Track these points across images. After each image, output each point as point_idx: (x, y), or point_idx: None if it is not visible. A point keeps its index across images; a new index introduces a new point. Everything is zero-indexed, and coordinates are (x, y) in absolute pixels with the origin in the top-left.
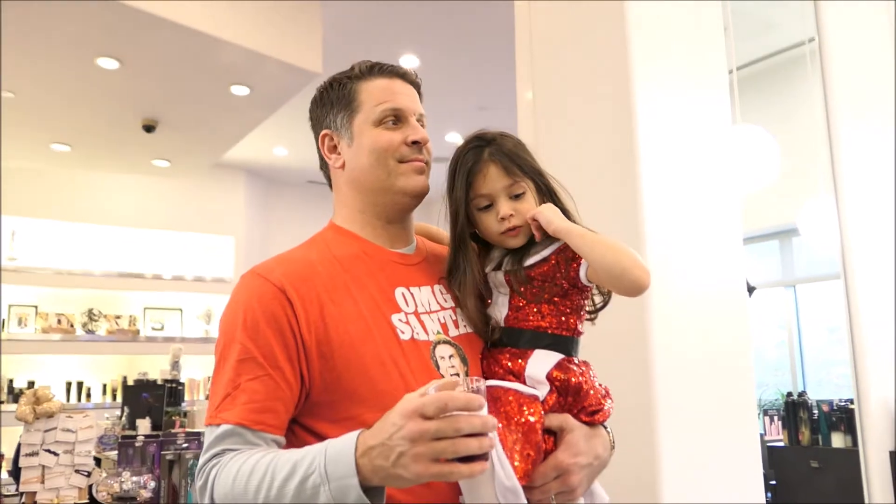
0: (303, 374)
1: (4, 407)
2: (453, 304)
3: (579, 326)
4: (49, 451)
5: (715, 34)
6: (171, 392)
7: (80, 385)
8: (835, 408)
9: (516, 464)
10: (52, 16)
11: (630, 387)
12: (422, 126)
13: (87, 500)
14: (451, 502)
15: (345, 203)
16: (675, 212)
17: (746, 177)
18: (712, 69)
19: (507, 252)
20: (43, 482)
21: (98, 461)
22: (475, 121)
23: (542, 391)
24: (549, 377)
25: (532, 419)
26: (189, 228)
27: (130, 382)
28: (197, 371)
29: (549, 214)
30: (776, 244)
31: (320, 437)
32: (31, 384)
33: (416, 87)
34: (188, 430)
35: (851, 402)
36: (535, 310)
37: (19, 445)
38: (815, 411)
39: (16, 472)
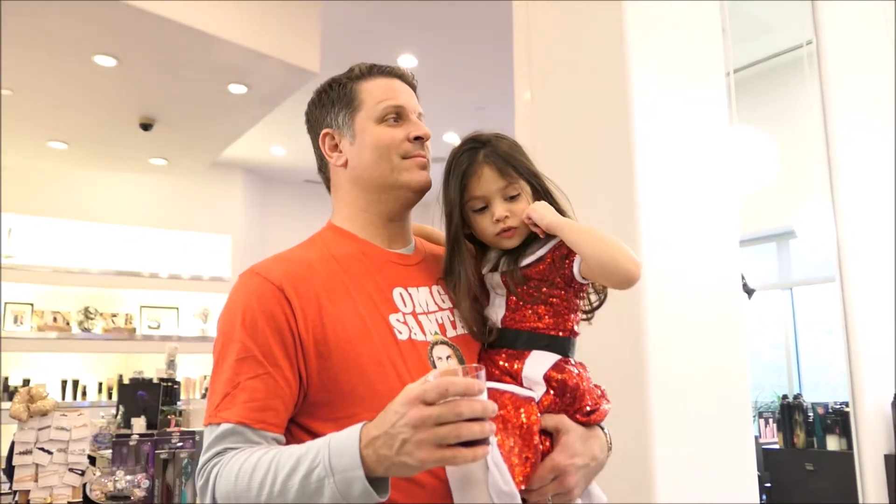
0: (301, 374)
1: None
2: (451, 305)
3: (576, 327)
4: (43, 449)
5: (713, 36)
6: (166, 391)
7: (75, 383)
8: (830, 410)
9: (516, 468)
10: (49, 13)
11: (625, 388)
12: (421, 120)
13: (80, 499)
14: (445, 503)
15: (346, 202)
16: (671, 213)
17: (743, 178)
18: (710, 71)
19: (504, 253)
20: (36, 481)
21: (93, 460)
22: (473, 121)
23: (539, 392)
24: (546, 378)
25: (528, 421)
26: (186, 227)
27: (126, 381)
28: (193, 370)
29: (542, 210)
30: (773, 246)
31: (317, 437)
32: (26, 382)
33: (413, 88)
34: (183, 429)
35: (846, 404)
36: (531, 311)
37: (13, 444)
38: (811, 414)
39: (9, 471)
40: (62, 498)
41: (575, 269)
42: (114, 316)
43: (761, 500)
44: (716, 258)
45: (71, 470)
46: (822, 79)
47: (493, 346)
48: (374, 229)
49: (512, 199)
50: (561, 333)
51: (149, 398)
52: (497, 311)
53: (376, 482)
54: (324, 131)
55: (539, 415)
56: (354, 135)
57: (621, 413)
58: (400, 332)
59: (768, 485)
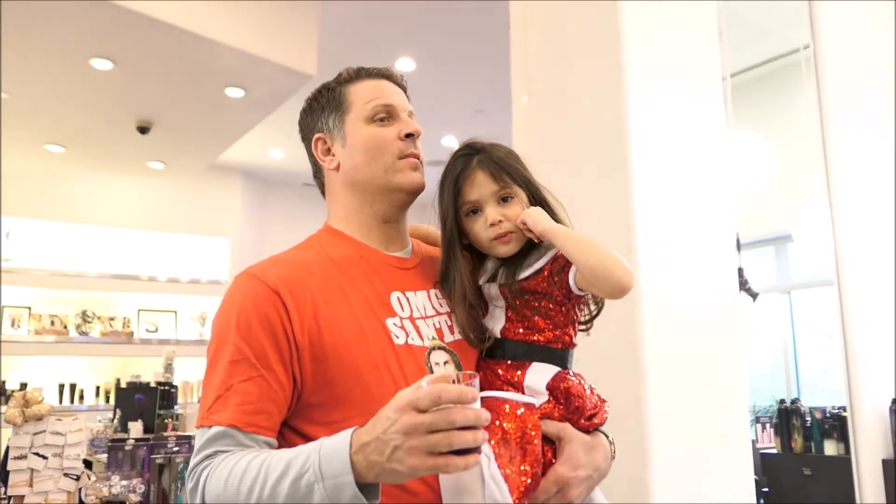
0: (295, 376)
1: None
2: (449, 309)
3: (574, 339)
4: (38, 454)
5: (709, 40)
6: (163, 395)
7: (72, 387)
8: (828, 415)
9: (513, 480)
10: (47, 16)
11: (621, 393)
12: (412, 118)
13: None
14: None
15: (340, 204)
16: (667, 217)
17: (740, 182)
18: (707, 75)
19: (502, 264)
20: (31, 486)
21: (89, 464)
22: (471, 124)
23: (540, 400)
24: (549, 388)
25: (527, 429)
26: (184, 230)
27: (123, 385)
28: (190, 374)
29: (536, 215)
30: (772, 250)
31: (310, 441)
32: (23, 386)
33: (403, 88)
34: (179, 433)
35: (844, 409)
36: (530, 323)
37: (7, 448)
38: (808, 418)
39: (3, 476)
40: (57, 503)
41: (571, 280)
42: (111, 319)
43: None
44: (712, 262)
45: (66, 475)
46: (819, 83)
47: (491, 356)
48: (369, 231)
49: (505, 202)
50: (560, 346)
51: (146, 402)
52: (496, 322)
53: (366, 488)
54: (315, 136)
55: (539, 422)
56: (345, 137)
57: (618, 417)
58: (397, 337)
59: (766, 489)
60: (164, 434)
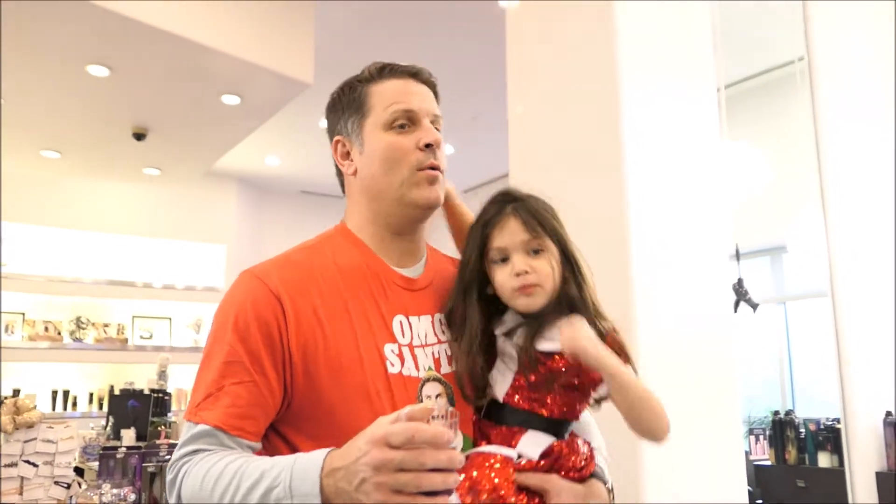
0: (286, 384)
1: None
2: (451, 338)
3: (581, 413)
4: (28, 461)
5: (705, 51)
6: (157, 402)
7: (66, 393)
8: (822, 427)
9: None
10: (43, 22)
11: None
12: (438, 128)
13: None
14: None
15: (357, 210)
16: (662, 227)
17: (736, 193)
18: (702, 86)
19: (522, 321)
20: (21, 494)
21: (81, 472)
22: (468, 130)
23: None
24: (541, 455)
25: (500, 482)
26: (180, 237)
27: (117, 392)
28: (185, 381)
29: (583, 340)
30: (767, 260)
31: (293, 450)
32: (16, 392)
33: (432, 86)
34: (172, 441)
35: (838, 421)
36: (537, 395)
37: None
38: (803, 430)
39: None
40: None
41: (602, 390)
42: (106, 326)
43: None
44: (707, 273)
45: (56, 483)
46: (813, 95)
47: (486, 417)
48: (381, 242)
49: (535, 254)
50: (563, 417)
51: (140, 408)
52: (499, 382)
53: None
54: (335, 138)
55: (514, 476)
56: (363, 143)
57: (610, 429)
58: (392, 365)
59: (759, 501)
60: (157, 442)
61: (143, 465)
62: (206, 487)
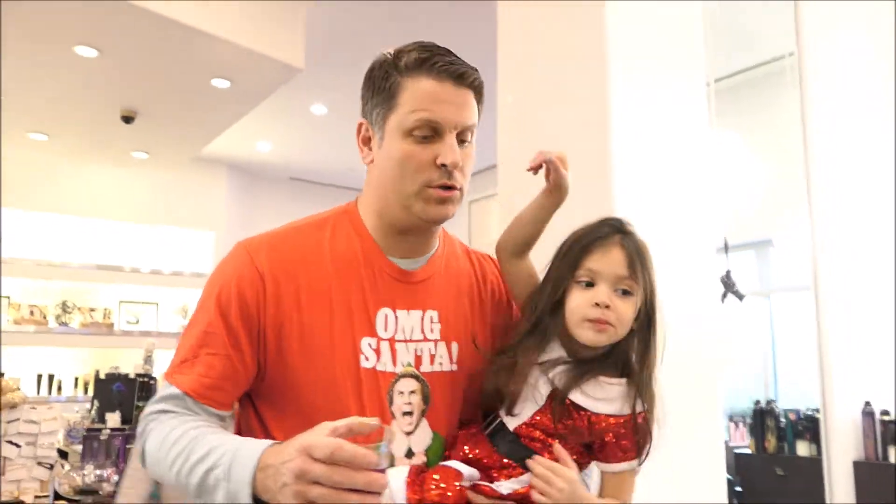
0: (260, 359)
1: None
2: (439, 337)
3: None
4: (11, 442)
5: (695, 45)
6: (142, 386)
7: (51, 378)
8: (802, 417)
9: None
10: (32, 2)
11: None
12: (465, 140)
13: (48, 494)
14: None
15: (368, 197)
16: (648, 217)
17: (724, 186)
18: (691, 79)
19: (565, 359)
20: (4, 474)
21: (65, 454)
22: None
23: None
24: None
25: (434, 491)
26: (169, 222)
27: (102, 376)
28: None
29: (554, 491)
30: (753, 254)
31: (261, 423)
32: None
33: (476, 89)
34: None
35: (818, 411)
36: (549, 442)
37: None
38: (783, 420)
39: None
40: (30, 492)
41: (608, 465)
42: (92, 310)
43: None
44: (693, 264)
45: (39, 464)
46: (802, 90)
47: (490, 434)
48: (384, 234)
49: (623, 295)
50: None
51: (125, 392)
52: (518, 411)
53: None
54: (360, 120)
55: (462, 491)
56: (383, 138)
57: None
58: (366, 359)
59: (739, 489)
60: None
61: (127, 446)
62: (163, 450)
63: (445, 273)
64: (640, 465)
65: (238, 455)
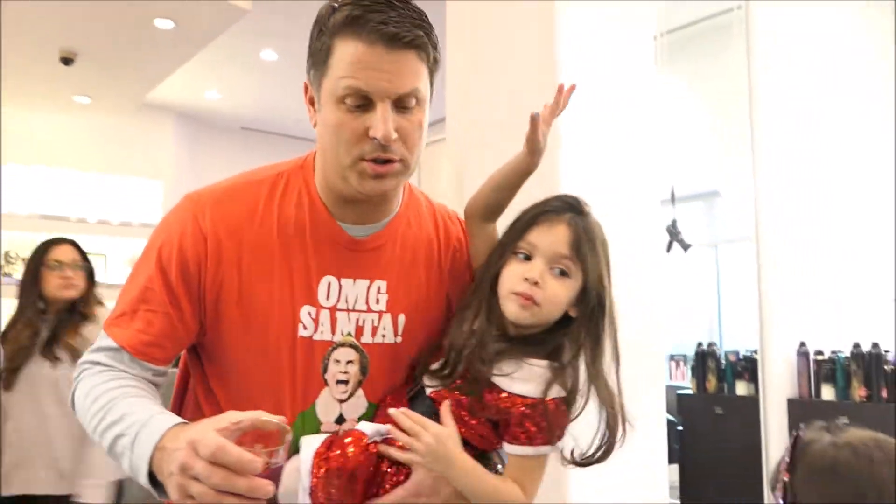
0: (201, 318)
1: None
2: (385, 309)
3: (495, 448)
4: None
5: None
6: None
7: None
8: (741, 358)
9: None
10: None
11: None
12: (407, 107)
13: None
14: None
15: (318, 160)
16: (595, 167)
17: (670, 137)
18: (639, 30)
19: (496, 333)
20: None
21: None
22: None
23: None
24: None
25: (351, 454)
26: (116, 171)
27: None
28: None
29: (426, 437)
30: (701, 205)
31: (203, 376)
32: None
33: (418, 47)
34: None
35: (756, 352)
36: (462, 415)
37: None
38: (723, 361)
39: None
40: None
41: (509, 447)
42: None
43: (671, 443)
44: (638, 212)
45: None
46: (748, 42)
47: (411, 399)
48: (332, 200)
49: (559, 275)
50: (475, 445)
51: None
52: (439, 382)
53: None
54: (305, 81)
55: (364, 447)
56: (320, 101)
57: None
58: (304, 328)
59: (680, 428)
60: None
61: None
62: (86, 404)
63: (402, 240)
64: (551, 452)
65: (143, 429)
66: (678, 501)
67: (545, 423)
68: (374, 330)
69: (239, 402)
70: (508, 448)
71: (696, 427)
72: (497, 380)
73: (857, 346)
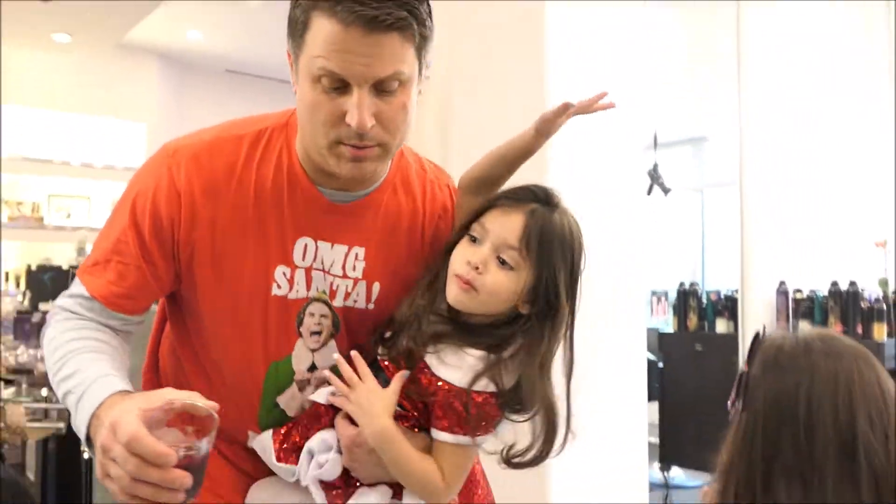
0: (177, 271)
1: None
2: (361, 276)
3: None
4: None
5: None
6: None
7: None
8: (722, 297)
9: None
10: None
11: None
12: (388, 90)
13: None
14: None
15: (299, 127)
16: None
17: (656, 80)
18: None
19: (445, 314)
20: None
21: None
22: None
23: None
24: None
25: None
26: (98, 112)
27: (34, 268)
28: None
29: (357, 396)
30: (689, 149)
31: (177, 320)
32: None
33: (403, 30)
34: None
35: (737, 291)
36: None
37: None
38: (704, 300)
39: None
40: None
41: (436, 431)
42: (19, 204)
43: (652, 382)
44: (620, 155)
45: None
46: None
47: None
48: (313, 168)
49: (502, 265)
50: (411, 421)
51: (58, 282)
52: (389, 349)
53: None
54: (287, 44)
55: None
56: (297, 74)
57: None
58: (278, 287)
59: (661, 365)
60: None
61: None
62: (49, 350)
63: (385, 208)
64: (472, 445)
65: (87, 392)
66: (657, 439)
67: (466, 414)
68: (347, 295)
69: (211, 349)
70: (432, 431)
71: (675, 365)
72: (429, 360)
73: (834, 284)
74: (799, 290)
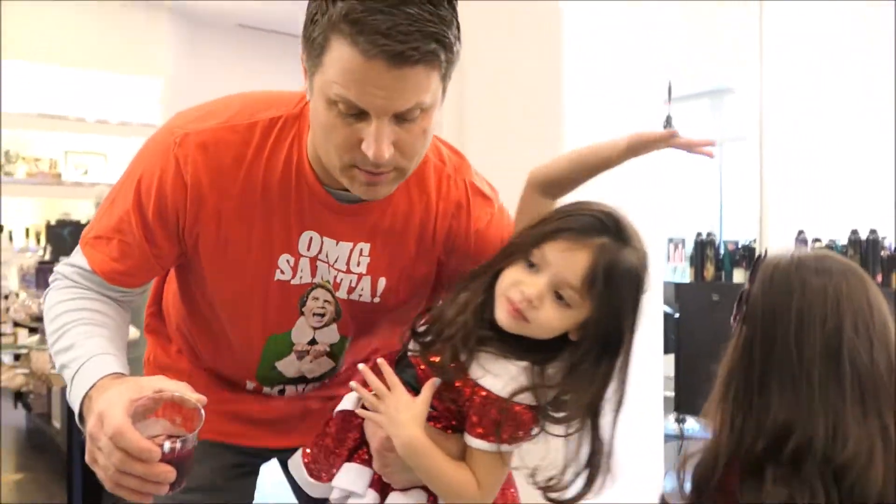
0: (182, 250)
1: None
2: (365, 271)
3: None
4: None
5: None
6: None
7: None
8: (740, 247)
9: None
10: None
11: None
12: (409, 119)
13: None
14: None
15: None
16: (597, 57)
17: (672, 32)
18: None
19: (489, 322)
20: None
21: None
22: None
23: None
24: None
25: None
26: (111, 68)
27: (53, 223)
28: None
29: (383, 413)
30: (707, 102)
31: (182, 282)
32: None
33: (431, 62)
34: None
35: (755, 241)
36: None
37: None
38: (722, 251)
39: None
40: None
41: (469, 437)
42: (37, 160)
43: (668, 333)
44: (636, 108)
45: None
46: None
47: (397, 362)
48: (324, 168)
49: (559, 300)
50: (442, 424)
51: (78, 235)
52: (426, 349)
53: None
54: (301, 53)
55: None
56: (312, 91)
57: None
58: (281, 273)
59: (676, 315)
60: None
61: None
62: (48, 317)
63: (394, 207)
64: (510, 452)
65: (82, 370)
66: (671, 392)
67: (503, 423)
68: (351, 290)
69: (214, 310)
70: (466, 437)
71: (691, 313)
72: (475, 377)
73: (854, 232)
74: (818, 240)
